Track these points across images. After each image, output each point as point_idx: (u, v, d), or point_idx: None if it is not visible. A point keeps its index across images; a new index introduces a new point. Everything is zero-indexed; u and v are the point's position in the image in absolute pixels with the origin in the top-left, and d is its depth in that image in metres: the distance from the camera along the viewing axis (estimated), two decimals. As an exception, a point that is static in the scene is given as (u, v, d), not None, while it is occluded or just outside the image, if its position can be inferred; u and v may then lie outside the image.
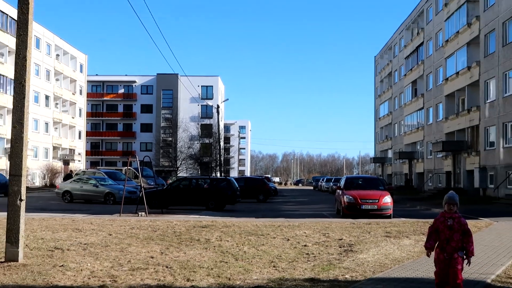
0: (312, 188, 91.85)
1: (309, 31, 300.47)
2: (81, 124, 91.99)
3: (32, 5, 11.99)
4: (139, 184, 27.58)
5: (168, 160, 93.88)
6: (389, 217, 23.54)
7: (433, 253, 7.77)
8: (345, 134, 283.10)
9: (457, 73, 49.00)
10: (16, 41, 12.02)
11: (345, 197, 24.65)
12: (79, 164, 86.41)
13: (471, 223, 20.35)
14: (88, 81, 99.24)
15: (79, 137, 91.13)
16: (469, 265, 7.74)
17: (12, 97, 12.58)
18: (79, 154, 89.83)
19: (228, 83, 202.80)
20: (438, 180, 56.35)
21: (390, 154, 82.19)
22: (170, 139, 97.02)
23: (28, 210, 13.17)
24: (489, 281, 10.05)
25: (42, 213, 24.35)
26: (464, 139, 48.84)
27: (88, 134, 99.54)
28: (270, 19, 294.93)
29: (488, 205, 32.97)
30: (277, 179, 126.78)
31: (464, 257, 7.56)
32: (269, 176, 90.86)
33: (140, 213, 24.41)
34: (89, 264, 11.63)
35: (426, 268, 11.13)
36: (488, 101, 43.25)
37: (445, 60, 53.24)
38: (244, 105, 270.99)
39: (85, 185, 36.43)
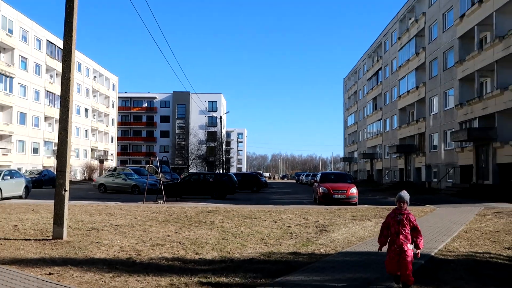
0: (294, 181, 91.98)
1: (295, 60, 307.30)
2: (113, 131, 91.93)
3: (75, 37, 12.00)
4: (159, 178, 27.56)
5: (181, 159, 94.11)
6: (355, 204, 23.59)
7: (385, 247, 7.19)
8: (321, 139, 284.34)
9: (408, 91, 49.23)
10: (62, 65, 12.05)
11: (320, 188, 24.69)
12: (111, 162, 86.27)
13: (419, 209, 20.49)
14: (119, 97, 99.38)
15: (112, 141, 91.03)
16: (418, 256, 7.13)
17: (59, 110, 12.58)
18: (111, 154, 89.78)
19: (229, 98, 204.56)
20: (393, 175, 56.49)
21: (356, 155, 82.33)
22: (183, 143, 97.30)
23: (70, 198, 13.16)
24: (433, 254, 10.11)
25: (82, 201, 24.28)
26: (414, 143, 49.08)
27: (118, 139, 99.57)
28: (265, 50, 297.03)
29: (432, 195, 33.09)
30: (267, 175, 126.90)
31: (414, 250, 6.96)
32: (261, 172, 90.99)
33: (159, 201, 24.41)
34: (118, 241, 11.61)
35: (383, 244, 11.12)
36: (432, 113, 43.42)
37: (398, 82, 53.44)
38: (242, 115, 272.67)
39: (116, 179, 36.38)
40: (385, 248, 7.26)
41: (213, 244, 11.50)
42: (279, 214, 18.17)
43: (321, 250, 10.72)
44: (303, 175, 79.33)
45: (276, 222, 15.78)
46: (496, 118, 30.33)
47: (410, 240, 6.91)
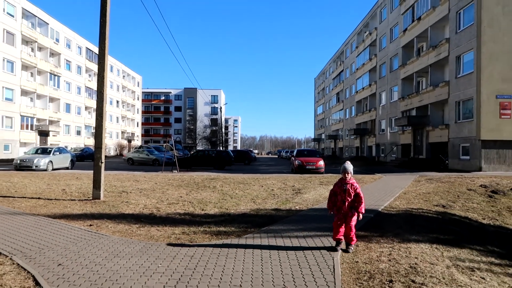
0: (277, 156, 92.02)
1: (279, 62, 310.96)
2: (138, 118, 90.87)
3: (107, 45, 11.82)
4: (173, 154, 27.46)
5: (190, 139, 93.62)
6: (322, 173, 23.71)
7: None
8: (297, 124, 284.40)
9: (363, 88, 49.16)
10: (98, 67, 11.87)
11: (296, 161, 24.75)
12: (137, 142, 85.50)
13: (370, 177, 20.61)
14: (142, 92, 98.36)
15: (137, 126, 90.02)
16: (360, 219, 6.24)
17: (95, 101, 12.44)
18: (137, 136, 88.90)
19: (227, 92, 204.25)
20: (351, 151, 56.74)
21: (323, 136, 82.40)
22: (192, 127, 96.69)
23: (105, 169, 13.10)
24: (380, 210, 10.21)
25: (115, 171, 24.16)
26: (367, 127, 49.21)
27: (142, 124, 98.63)
28: (257, 53, 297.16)
29: (380, 166, 33.34)
30: (256, 151, 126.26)
31: (356, 214, 6.24)
32: (251, 149, 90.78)
33: (174, 171, 24.35)
34: (143, 201, 11.59)
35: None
36: (381, 104, 43.48)
37: (356, 80, 53.29)
38: (237, 106, 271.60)
39: (141, 154, 36.05)
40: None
41: (215, 203, 11.53)
42: (264, 180, 18.24)
43: (296, 207, 10.79)
44: (283, 151, 79.36)
45: (262, 186, 15.84)
46: (429, 108, 30.47)
47: (354, 206, 6.22)
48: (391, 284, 4.82)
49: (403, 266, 5.46)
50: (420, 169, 26.46)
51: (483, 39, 23.17)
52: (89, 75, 63.76)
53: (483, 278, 5.26)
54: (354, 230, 6.25)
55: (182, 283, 4.77)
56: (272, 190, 14.78)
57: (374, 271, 5.30)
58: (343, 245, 6.32)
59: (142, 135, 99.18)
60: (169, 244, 6.63)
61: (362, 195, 6.27)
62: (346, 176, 6.29)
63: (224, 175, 21.84)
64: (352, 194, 6.23)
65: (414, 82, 33.82)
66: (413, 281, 4.88)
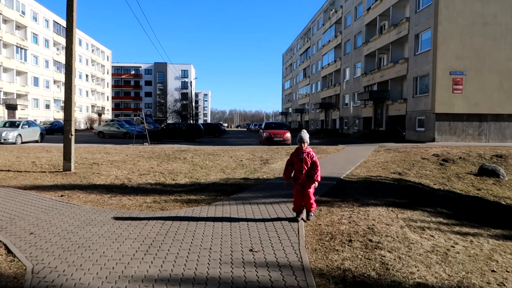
0: (246, 129, 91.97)
1: (250, 37, 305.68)
2: (108, 92, 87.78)
3: (75, 17, 11.26)
4: (144, 127, 26.90)
5: (161, 113, 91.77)
6: (289, 144, 23.93)
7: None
8: (266, 99, 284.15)
9: (329, 64, 49.42)
10: (66, 40, 11.30)
11: (264, 133, 24.84)
12: (107, 115, 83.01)
13: (334, 148, 21.01)
14: (112, 66, 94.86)
15: (107, 100, 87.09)
16: (316, 187, 6.05)
17: (64, 75, 11.90)
18: (107, 109, 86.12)
19: (197, 67, 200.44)
20: (317, 124, 57.47)
21: (290, 110, 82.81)
22: (163, 101, 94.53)
23: (76, 142, 12.67)
24: (342, 177, 10.48)
25: (85, 144, 23.45)
26: (331, 102, 49.83)
27: (112, 98, 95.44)
28: (226, 24, 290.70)
29: (343, 138, 34.04)
30: (225, 124, 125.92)
31: (312, 182, 5.99)
32: (221, 122, 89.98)
33: (145, 144, 23.90)
34: (114, 172, 11.37)
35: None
36: (345, 80, 43.95)
37: (322, 57, 53.42)
38: (207, 80, 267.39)
39: (111, 127, 35.04)
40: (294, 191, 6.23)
41: (185, 173, 11.48)
42: (234, 152, 18.26)
43: (264, 176, 10.91)
44: (252, 125, 79.44)
45: (232, 157, 15.86)
46: (389, 83, 31.10)
47: (311, 175, 5.97)
48: (350, 243, 5.01)
49: (361, 227, 5.68)
50: (380, 141, 27.22)
51: (439, 19, 23.64)
52: (57, 49, 60.69)
53: (432, 236, 5.56)
54: (313, 197, 6.03)
55: (154, 247, 4.78)
56: (241, 160, 14.83)
57: (335, 232, 5.49)
58: (303, 214, 6.15)
59: (113, 109, 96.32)
60: (140, 212, 6.59)
61: (318, 163, 6.04)
62: (303, 145, 6.00)
63: (195, 147, 21.69)
64: (309, 163, 5.97)
65: (376, 59, 34.28)
66: (370, 240, 5.10)
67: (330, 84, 50.28)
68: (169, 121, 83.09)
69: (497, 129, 23.96)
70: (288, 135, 24.43)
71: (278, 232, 5.45)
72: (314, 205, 6.15)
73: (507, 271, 4.48)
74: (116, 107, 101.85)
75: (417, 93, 26.53)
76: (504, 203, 9.99)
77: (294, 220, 6.05)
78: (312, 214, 6.21)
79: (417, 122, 26.30)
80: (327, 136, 36.27)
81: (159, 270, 4.07)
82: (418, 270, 4.17)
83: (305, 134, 6.10)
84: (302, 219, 6.05)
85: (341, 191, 8.48)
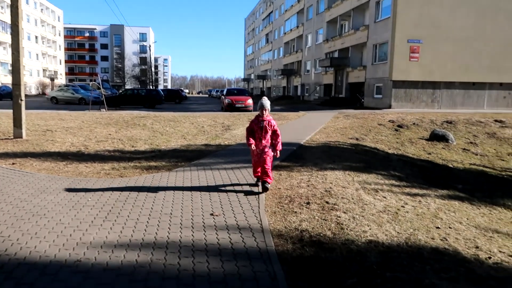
0: (207, 96, 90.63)
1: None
2: (61, 55, 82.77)
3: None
4: (101, 92, 25.82)
5: (119, 78, 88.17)
6: (251, 111, 23.93)
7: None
8: (228, 65, 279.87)
9: (291, 30, 48.99)
10: (8, -6, 10.41)
11: (226, 100, 24.66)
12: (61, 80, 78.68)
13: (295, 114, 21.27)
14: (64, 27, 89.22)
15: (60, 63, 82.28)
16: (277, 156, 5.88)
17: (10, 36, 11.06)
18: (61, 74, 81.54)
19: (157, 30, 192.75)
20: (279, 91, 57.61)
21: (252, 76, 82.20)
22: (120, 65, 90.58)
23: (27, 108, 11.97)
24: (301, 143, 10.69)
25: (38, 110, 22.27)
26: (294, 68, 49.86)
27: (66, 61, 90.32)
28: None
29: (304, 104, 34.43)
30: (187, 91, 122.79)
31: (272, 151, 5.83)
32: (182, 88, 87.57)
33: (102, 110, 23.05)
34: (69, 139, 10.96)
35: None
36: (307, 46, 43.92)
37: (284, 22, 52.77)
38: (167, 44, 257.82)
39: (65, 93, 33.32)
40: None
41: (145, 140, 11.27)
42: (195, 118, 18.05)
43: (225, 142, 10.93)
44: (214, 91, 78.15)
45: (193, 123, 15.71)
46: (350, 50, 31.43)
47: (271, 144, 5.80)
48: (308, 205, 5.20)
49: (319, 191, 5.89)
50: (340, 107, 27.79)
51: (400, -15, 23.87)
52: (1, 7, 55.89)
53: (385, 197, 5.88)
54: (269, 165, 5.76)
55: (113, 214, 4.73)
56: (203, 127, 14.73)
57: (294, 195, 5.66)
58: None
59: (66, 74, 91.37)
60: (99, 179, 6.45)
61: (279, 132, 5.84)
62: (264, 112, 5.70)
63: (155, 113, 21.19)
64: (270, 131, 5.75)
65: (338, 25, 34.35)
66: (327, 202, 5.32)
67: (292, 50, 50.11)
68: (128, 87, 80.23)
69: (449, 96, 25.10)
70: (250, 101, 24.40)
71: (238, 196, 5.54)
72: (271, 176, 5.86)
73: (449, 228, 4.85)
74: (70, 72, 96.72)
75: (376, 61, 27.07)
76: (451, 166, 10.66)
77: (254, 185, 6.10)
78: (268, 185, 5.81)
79: (375, 89, 27.00)
80: (289, 103, 36.56)
81: (119, 236, 4.05)
82: (370, 229, 4.42)
83: (266, 101, 5.79)
84: (262, 188, 5.81)
85: (300, 156, 8.68)
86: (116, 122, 15.74)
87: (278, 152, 5.83)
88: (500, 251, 4.25)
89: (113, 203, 5.14)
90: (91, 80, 43.15)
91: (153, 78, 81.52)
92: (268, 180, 5.80)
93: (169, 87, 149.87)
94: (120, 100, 28.00)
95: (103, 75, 45.67)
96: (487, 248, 4.29)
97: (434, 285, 3.19)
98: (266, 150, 5.74)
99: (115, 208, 4.96)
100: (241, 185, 6.16)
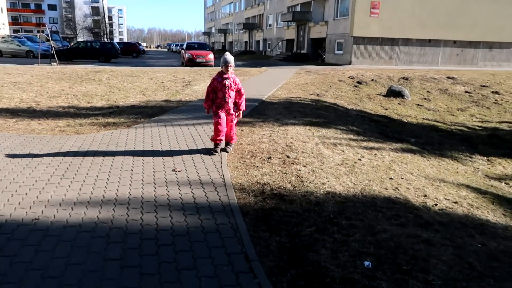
0: (167, 50, 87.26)
1: None
2: (2, 3, 75.83)
3: None
4: (51, 45, 24.11)
5: (70, 30, 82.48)
6: (212, 66, 23.41)
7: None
8: (188, 17, 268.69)
9: (252, -19, 47.36)
10: None
11: (186, 54, 23.88)
12: (3, 31, 72.54)
13: (257, 70, 21.06)
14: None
15: (1, 12, 75.56)
16: (240, 117, 5.61)
17: None
18: (3, 23, 75.07)
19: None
20: (241, 46, 56.45)
21: (213, 30, 79.65)
22: (70, 15, 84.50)
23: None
24: (263, 99, 10.69)
25: (-20, 64, 20.59)
26: (256, 22, 48.69)
27: (8, 10, 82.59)
28: None
29: (266, 60, 34.07)
30: (144, 44, 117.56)
31: (237, 112, 5.51)
32: (139, 42, 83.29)
33: (53, 63, 21.65)
34: (18, 95, 10.32)
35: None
36: (269, -1, 42.81)
37: (245, -28, 50.81)
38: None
39: (10, 45, 30.81)
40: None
41: (101, 95, 10.83)
42: (154, 73, 17.43)
43: (186, 98, 10.73)
44: (174, 45, 75.21)
45: (152, 79, 15.19)
46: (312, 4, 30.99)
47: (235, 103, 5.45)
48: (269, 160, 5.31)
49: (280, 145, 6.00)
50: (301, 63, 27.77)
51: None
52: None
53: (343, 151, 6.10)
54: (235, 129, 5.63)
55: (71, 171, 4.61)
56: (162, 82, 14.31)
57: (256, 150, 5.74)
58: (222, 146, 5.55)
59: (10, 24, 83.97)
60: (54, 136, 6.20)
61: (243, 91, 5.49)
62: (228, 68, 5.26)
63: (111, 68, 20.23)
64: (234, 90, 5.38)
65: (300, -23, 33.54)
66: (288, 157, 5.44)
67: (254, 3, 48.64)
68: (80, 39, 75.42)
69: (406, 53, 25.69)
70: (211, 56, 23.80)
71: (201, 152, 5.54)
72: (235, 137, 5.74)
73: (401, 178, 5.16)
74: (14, 22, 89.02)
75: (337, 16, 26.93)
76: (405, 120, 11.14)
77: (210, 153, 5.42)
78: (231, 148, 5.65)
79: (336, 45, 27.07)
80: (251, 58, 36.03)
81: (78, 193, 3.98)
82: (328, 181, 4.61)
83: (230, 57, 5.31)
84: (222, 149, 5.51)
85: (262, 112, 8.72)
86: (69, 76, 14.91)
87: (241, 112, 5.55)
88: (445, 199, 4.60)
89: (70, 161, 4.99)
90: (38, 31, 39.91)
91: (108, 30, 77.02)
92: (232, 141, 5.65)
93: (125, 40, 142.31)
94: (72, 53, 26.36)
95: (52, 26, 42.52)
96: (434, 196, 4.62)
97: (385, 231, 3.43)
98: (231, 112, 5.41)
99: (72, 165, 4.82)
100: (204, 140, 6.14)
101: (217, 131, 5.40)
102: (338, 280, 2.68)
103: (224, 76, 5.30)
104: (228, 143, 5.63)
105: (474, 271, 2.88)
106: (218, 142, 5.48)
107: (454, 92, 15.19)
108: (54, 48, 23.83)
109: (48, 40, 24.35)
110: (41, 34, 28.25)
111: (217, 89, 5.33)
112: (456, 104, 13.87)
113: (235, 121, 5.54)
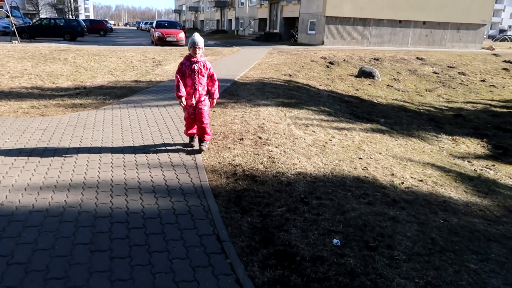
0: (136, 28, 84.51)
1: None
2: (-45, -26, 71.04)
3: None
4: (11, 21, 22.87)
5: (31, 6, 78.19)
6: (183, 45, 22.89)
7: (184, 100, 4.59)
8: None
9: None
10: None
11: (156, 33, 23.22)
12: (-41, 6, 68.14)
13: (229, 49, 20.79)
14: None
15: (-45, -15, 70.78)
16: (213, 105, 4.85)
17: None
18: (-42, -2, 70.51)
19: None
20: (212, 24, 55.36)
21: (184, 8, 77.59)
22: (31, -10, 79.90)
23: None
24: (236, 79, 10.59)
25: None
26: (227, 0, 47.74)
27: (-38, -17, 77.65)
28: None
29: (239, 39, 33.62)
30: (112, 22, 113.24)
31: (209, 100, 4.76)
32: (107, 19, 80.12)
33: (14, 42, 20.58)
34: (-23, 74, 9.80)
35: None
36: (241, -24, 41.97)
37: None
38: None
39: (-34, 21, 29.06)
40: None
41: (67, 75, 10.44)
42: (123, 52, 16.88)
43: (157, 78, 10.51)
44: (143, 23, 73.02)
45: (120, 58, 14.73)
46: (284, -17, 30.65)
47: (206, 90, 4.73)
48: (241, 141, 5.31)
49: (252, 126, 6.01)
50: (274, 43, 27.59)
51: None
52: None
53: (314, 132, 6.18)
54: (207, 119, 4.76)
55: (36, 155, 4.46)
56: (131, 62, 13.92)
57: (228, 132, 5.72)
58: (196, 141, 5.02)
59: (-35, -2, 78.91)
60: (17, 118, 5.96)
61: (216, 77, 4.76)
62: (196, 51, 4.55)
63: (76, 46, 19.43)
64: (206, 75, 4.67)
65: (272, -45, 32.96)
66: (260, 138, 5.47)
67: (226, -20, 47.61)
68: (43, 16, 71.78)
69: (377, 33, 25.98)
70: (181, 35, 23.26)
71: (172, 134, 5.48)
72: (209, 132, 4.90)
73: (370, 158, 5.29)
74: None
75: (310, -5, 26.79)
76: (375, 101, 11.36)
77: (188, 145, 5.00)
78: (206, 145, 4.91)
79: (309, 24, 27.01)
80: (223, 38, 35.49)
81: (44, 178, 3.87)
82: (299, 162, 4.67)
83: (199, 38, 4.62)
84: (199, 148, 4.84)
85: (234, 93, 8.66)
86: (32, 56, 14.23)
87: (215, 101, 4.80)
88: (411, 177, 4.77)
89: (35, 144, 4.82)
90: (-4, 7, 37.53)
91: (72, 6, 73.64)
92: (206, 137, 4.86)
93: (92, 17, 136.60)
94: (35, 31, 25.11)
95: (12, 1, 40.14)
96: (401, 175, 4.78)
97: (354, 209, 3.53)
98: (202, 100, 4.67)
99: (37, 149, 4.67)
100: (175, 122, 6.06)
101: (188, 124, 4.85)
102: (307, 258, 2.76)
103: (192, 60, 4.58)
104: (201, 140, 4.87)
105: (436, 246, 3.03)
106: (191, 135, 4.99)
107: (423, 73, 15.56)
108: (15, 25, 22.65)
109: (8, 17, 23.11)
110: (0, 10, 26.72)
111: (186, 75, 4.60)
112: (424, 85, 14.23)
113: (206, 109, 4.72)
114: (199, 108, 4.67)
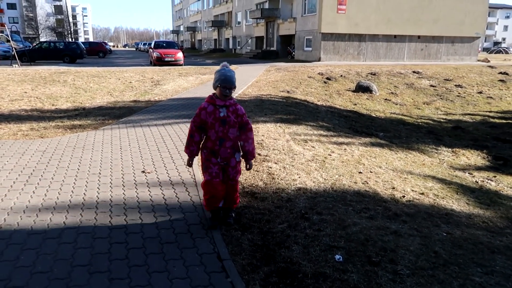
0: (134, 49, 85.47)
1: None
2: (-44, 1, 72.23)
3: None
4: (11, 45, 23.14)
5: (32, 30, 79.26)
6: (181, 65, 23.12)
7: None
8: (155, 15, 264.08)
9: (220, -22, 47.06)
10: None
11: (154, 53, 23.48)
12: (-40, 32, 69.02)
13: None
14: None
15: (-44, 12, 71.88)
16: (248, 169, 3.37)
17: None
18: (-41, 24, 71.50)
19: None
20: (210, 44, 56.02)
21: (182, 28, 78.59)
22: (31, 14, 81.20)
23: None
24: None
25: None
26: (224, 19, 48.46)
27: (-37, 9, 78.87)
28: None
29: (236, 58, 33.96)
30: (111, 43, 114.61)
31: (242, 160, 3.34)
32: (106, 41, 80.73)
33: (14, 66, 20.77)
34: (-23, 98, 9.86)
35: (202, 91, 11.36)
36: (237, -3, 42.67)
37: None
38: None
39: (-33, 46, 29.41)
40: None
41: (67, 97, 10.50)
42: (122, 73, 17.02)
43: (156, 98, 10.57)
44: (141, 44, 73.90)
45: (119, 79, 14.84)
46: (280, 1, 31.16)
47: (240, 146, 3.30)
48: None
49: (251, 143, 6.00)
50: (271, 60, 27.86)
51: None
52: None
53: (313, 147, 6.18)
54: (238, 187, 3.53)
55: (35, 177, 4.44)
56: (130, 82, 14.02)
57: (227, 149, 5.71)
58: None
59: (-34, 24, 79.99)
60: (16, 141, 5.96)
61: (251, 126, 3.38)
62: (227, 93, 3.18)
63: (76, 68, 19.61)
64: (237, 126, 3.23)
65: (267, -25, 33.62)
66: (259, 154, 5.46)
67: (222, 0, 48.41)
68: (43, 39, 72.69)
69: (373, 48, 26.27)
70: (180, 55, 23.50)
71: (171, 152, 5.48)
72: (239, 199, 3.59)
73: (370, 172, 5.28)
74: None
75: (305, 12, 27.19)
76: (374, 115, 11.40)
77: (212, 226, 3.34)
78: (233, 215, 3.52)
79: (305, 41, 27.34)
80: (221, 56, 35.84)
81: (43, 199, 3.85)
82: (299, 177, 4.66)
83: (231, 72, 3.22)
84: (222, 222, 3.40)
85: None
86: (32, 78, 14.35)
87: (252, 162, 3.45)
88: (412, 190, 4.74)
89: (34, 166, 4.81)
90: (-3, 32, 38.05)
91: (72, 29, 74.66)
92: (235, 206, 3.52)
93: (91, 39, 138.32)
94: (34, 54, 25.39)
95: (12, 26, 40.74)
96: (402, 188, 4.76)
97: (355, 224, 3.50)
98: (234, 161, 3.28)
99: (37, 170, 4.65)
100: (174, 141, 6.07)
101: (210, 195, 3.28)
102: (310, 275, 2.72)
103: (218, 103, 3.18)
104: (229, 208, 3.46)
105: (440, 259, 2.99)
106: (215, 208, 3.38)
107: (420, 86, 15.67)
108: (15, 49, 22.92)
109: (8, 41, 23.38)
110: (1, 34, 27.08)
111: (207, 125, 3.19)
112: (422, 98, 14.31)
113: (239, 176, 3.42)
114: (231, 173, 3.28)
